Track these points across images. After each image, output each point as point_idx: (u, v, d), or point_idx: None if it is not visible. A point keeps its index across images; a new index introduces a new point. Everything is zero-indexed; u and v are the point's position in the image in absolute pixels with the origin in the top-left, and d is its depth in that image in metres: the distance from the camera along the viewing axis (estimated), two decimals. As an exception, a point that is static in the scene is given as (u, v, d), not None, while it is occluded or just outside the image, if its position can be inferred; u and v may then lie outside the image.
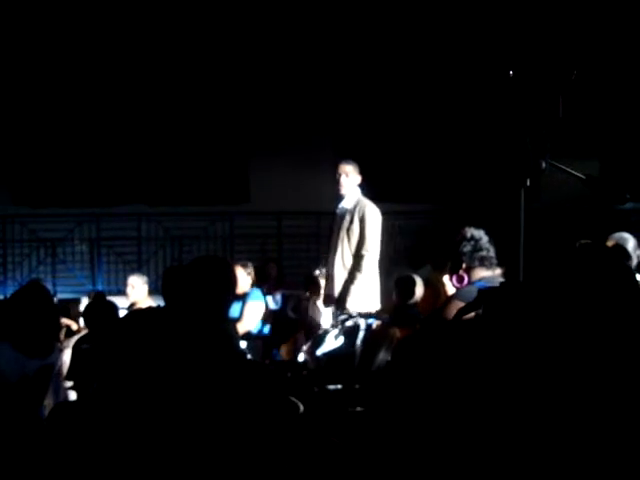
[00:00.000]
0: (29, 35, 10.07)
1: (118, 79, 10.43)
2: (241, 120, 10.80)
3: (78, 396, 4.23)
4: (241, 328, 5.81)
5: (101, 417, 2.06)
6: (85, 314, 5.44)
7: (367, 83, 10.63)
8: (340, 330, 5.04)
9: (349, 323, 5.17)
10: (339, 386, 4.58)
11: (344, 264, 5.56)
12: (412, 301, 5.23)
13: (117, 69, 10.38)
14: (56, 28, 10.10)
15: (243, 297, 5.95)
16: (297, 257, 9.96)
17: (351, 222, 5.57)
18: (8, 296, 7.03)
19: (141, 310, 2.67)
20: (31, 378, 3.60)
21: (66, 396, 5.75)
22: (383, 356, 4.60)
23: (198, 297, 2.98)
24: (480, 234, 3.53)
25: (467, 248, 3.47)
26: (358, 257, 5.51)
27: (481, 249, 3.48)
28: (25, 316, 3.59)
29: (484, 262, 3.48)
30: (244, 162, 10.94)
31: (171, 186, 10.49)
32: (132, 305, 6.80)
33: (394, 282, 5.45)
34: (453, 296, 3.48)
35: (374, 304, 5.57)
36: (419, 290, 5.25)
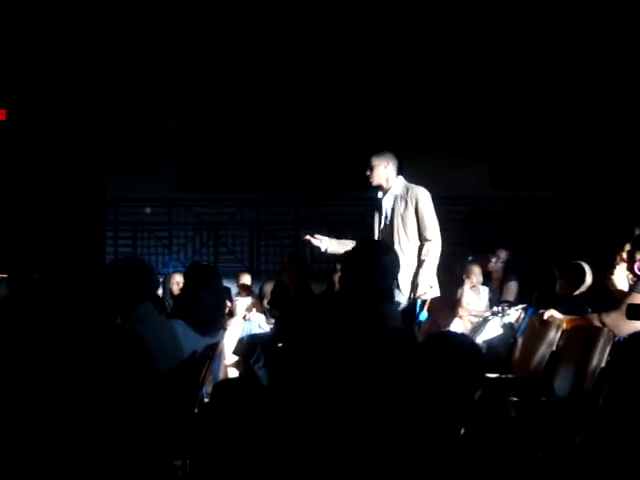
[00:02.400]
0: (205, 27, 10.49)
1: (282, 67, 10.70)
2: (395, 111, 10.85)
3: (245, 372, 4.35)
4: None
5: (277, 395, 2.08)
6: (273, 295, 5.65)
7: (512, 72, 10.49)
8: (502, 318, 4.91)
9: (511, 311, 5.04)
10: (496, 375, 4.47)
11: (402, 251, 5.24)
12: (580, 290, 5.00)
13: (282, 59, 10.64)
14: (225, 20, 10.49)
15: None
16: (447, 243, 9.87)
17: (405, 208, 5.37)
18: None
19: (318, 295, 2.70)
20: (199, 356, 3.74)
21: (226, 374, 5.97)
22: (546, 348, 4.44)
23: (351, 280, 3.01)
24: None
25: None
26: (424, 242, 5.32)
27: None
28: (201, 295, 3.74)
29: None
30: (397, 149, 10.95)
31: (328, 172, 10.64)
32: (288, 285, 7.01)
33: (560, 270, 5.22)
34: (632, 289, 3.31)
35: (436, 292, 5.39)
36: (589, 279, 5.00)
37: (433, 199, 10.07)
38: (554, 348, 4.33)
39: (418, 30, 10.32)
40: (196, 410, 3.63)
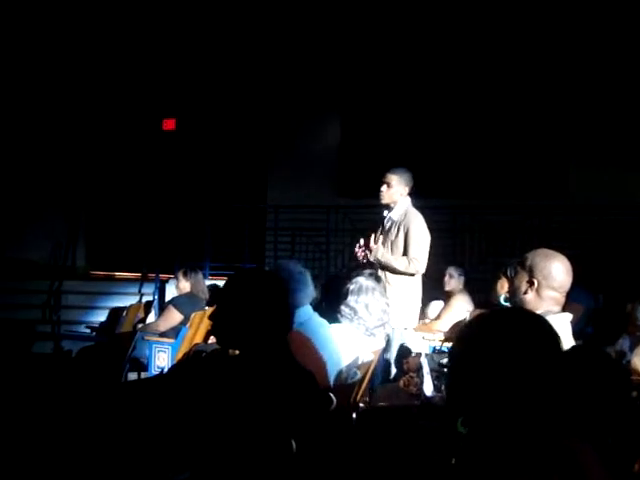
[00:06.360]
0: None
1: (444, 77, 10.70)
2: (562, 119, 10.56)
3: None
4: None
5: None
6: None
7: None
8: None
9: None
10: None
11: (387, 280, 5.22)
12: None
13: (446, 69, 10.64)
14: (387, 25, 10.55)
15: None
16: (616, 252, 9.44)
17: (397, 235, 5.24)
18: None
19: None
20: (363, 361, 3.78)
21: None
22: None
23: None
24: None
25: None
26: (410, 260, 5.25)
27: None
28: (368, 301, 3.79)
29: None
30: (565, 157, 10.68)
31: (487, 180, 10.52)
32: (448, 294, 6.96)
33: None
34: None
35: (413, 318, 5.36)
36: None
37: (603, 208, 9.67)
38: None
39: (580, 46, 10.00)
40: (354, 415, 3.66)
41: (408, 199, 5.50)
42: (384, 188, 5.45)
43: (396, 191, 5.44)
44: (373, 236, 5.45)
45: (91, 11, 10.54)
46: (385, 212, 5.55)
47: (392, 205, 5.47)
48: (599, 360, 2.39)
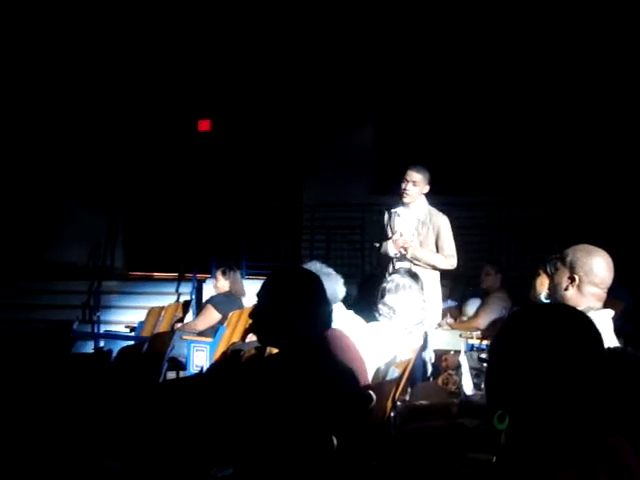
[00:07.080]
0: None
1: (479, 76, 10.62)
2: (598, 119, 10.34)
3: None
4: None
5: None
6: None
7: None
8: None
9: None
10: None
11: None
12: None
13: (481, 69, 10.56)
14: (418, 26, 10.50)
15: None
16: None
17: (427, 234, 5.26)
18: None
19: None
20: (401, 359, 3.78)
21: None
22: None
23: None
24: None
25: None
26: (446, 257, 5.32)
27: None
28: (406, 297, 3.80)
29: None
30: (602, 156, 10.51)
31: (526, 176, 10.44)
32: (486, 291, 6.93)
33: None
34: None
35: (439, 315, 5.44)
36: None
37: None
38: None
39: (611, 50, 9.86)
40: (393, 413, 3.66)
41: (424, 197, 5.51)
42: (409, 187, 5.40)
43: (420, 189, 5.42)
44: (407, 233, 5.42)
45: (130, 13, 10.67)
46: (400, 209, 5.51)
47: (411, 204, 5.46)
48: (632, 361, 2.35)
